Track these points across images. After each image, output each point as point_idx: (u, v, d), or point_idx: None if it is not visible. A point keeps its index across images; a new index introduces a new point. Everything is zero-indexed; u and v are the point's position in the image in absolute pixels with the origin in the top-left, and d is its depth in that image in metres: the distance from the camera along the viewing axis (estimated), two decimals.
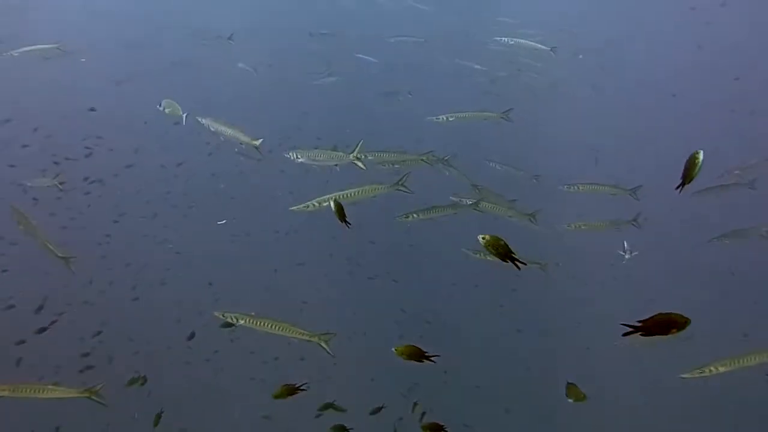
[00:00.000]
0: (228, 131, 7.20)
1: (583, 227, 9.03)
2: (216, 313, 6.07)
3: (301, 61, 16.53)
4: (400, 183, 6.70)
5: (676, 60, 19.64)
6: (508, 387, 12.13)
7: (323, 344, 5.96)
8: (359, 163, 6.87)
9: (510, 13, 17.66)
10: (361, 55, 16.98)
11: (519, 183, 11.85)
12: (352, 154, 6.83)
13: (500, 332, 12.98)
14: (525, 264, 4.69)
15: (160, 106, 8.11)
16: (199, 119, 7.26)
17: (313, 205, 6.22)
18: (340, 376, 10.69)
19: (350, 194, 6.32)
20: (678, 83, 18.72)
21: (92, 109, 12.20)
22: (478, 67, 16.28)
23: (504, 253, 4.50)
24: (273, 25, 17.99)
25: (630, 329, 3.97)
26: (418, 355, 5.32)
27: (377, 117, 15.63)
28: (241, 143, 7.23)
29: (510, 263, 4.57)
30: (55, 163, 11.44)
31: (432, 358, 5.34)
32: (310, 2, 19.98)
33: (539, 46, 12.44)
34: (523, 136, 13.73)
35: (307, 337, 5.96)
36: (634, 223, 9.09)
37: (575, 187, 8.77)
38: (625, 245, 8.97)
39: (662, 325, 4.00)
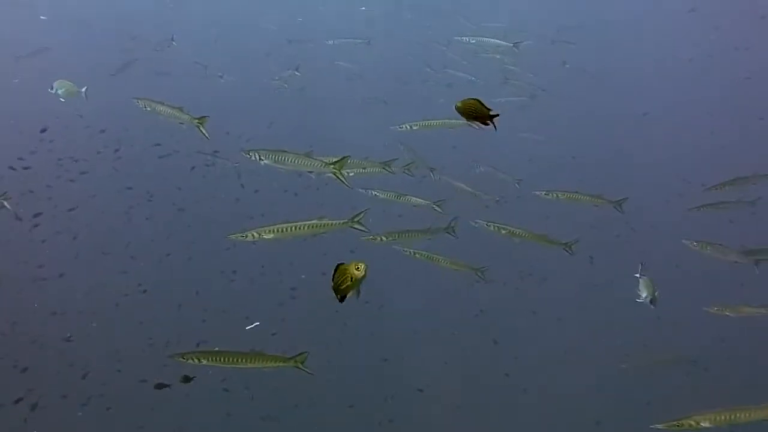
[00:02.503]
0: (166, 111, 6.46)
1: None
2: (175, 356, 5.52)
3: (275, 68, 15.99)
4: (355, 220, 5.72)
5: (660, 73, 19.41)
6: None
7: (300, 366, 5.41)
8: (341, 178, 5.92)
9: (498, 18, 17.35)
10: (340, 62, 16.56)
11: (504, 187, 11.59)
12: (331, 165, 5.83)
13: None
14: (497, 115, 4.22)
15: (51, 89, 7.40)
16: (135, 100, 6.52)
17: (253, 235, 5.52)
18: None
19: (297, 227, 5.51)
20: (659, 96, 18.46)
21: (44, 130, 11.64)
22: (472, 77, 15.74)
23: (481, 113, 4.09)
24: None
25: None
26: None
27: (348, 125, 15.14)
28: (180, 123, 6.49)
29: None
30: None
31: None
32: (290, 9, 19.60)
33: (501, 42, 11.84)
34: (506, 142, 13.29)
35: (281, 363, 5.42)
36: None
37: (553, 195, 7.86)
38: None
39: None
